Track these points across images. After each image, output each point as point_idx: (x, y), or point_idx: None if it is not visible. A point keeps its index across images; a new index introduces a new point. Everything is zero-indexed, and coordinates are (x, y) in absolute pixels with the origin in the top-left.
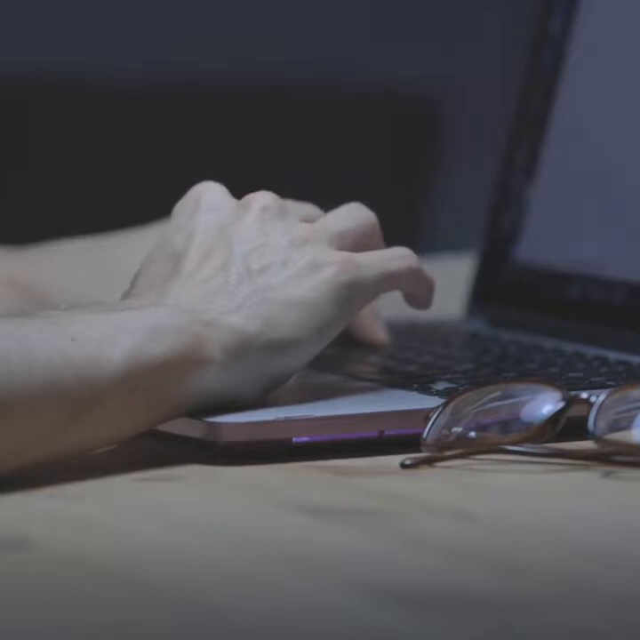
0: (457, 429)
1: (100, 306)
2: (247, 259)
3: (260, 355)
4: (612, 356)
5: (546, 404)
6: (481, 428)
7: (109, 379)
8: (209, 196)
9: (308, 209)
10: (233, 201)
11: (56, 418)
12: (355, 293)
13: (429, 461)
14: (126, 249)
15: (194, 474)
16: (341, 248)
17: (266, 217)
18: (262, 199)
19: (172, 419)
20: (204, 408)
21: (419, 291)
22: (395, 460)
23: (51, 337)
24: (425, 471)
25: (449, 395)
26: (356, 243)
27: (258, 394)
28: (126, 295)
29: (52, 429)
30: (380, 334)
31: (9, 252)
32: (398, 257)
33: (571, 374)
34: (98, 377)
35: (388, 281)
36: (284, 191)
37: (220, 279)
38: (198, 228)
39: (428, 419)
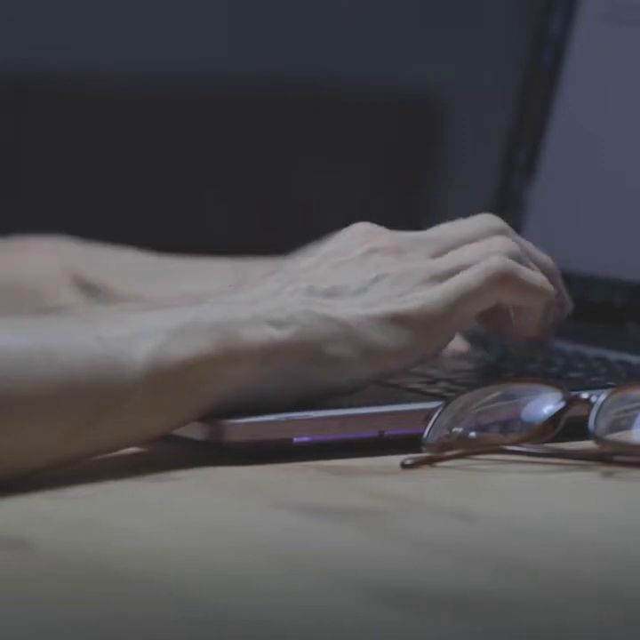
0: (457, 429)
1: (137, 304)
2: (318, 281)
3: (292, 361)
4: (612, 356)
5: (546, 404)
6: (481, 428)
7: (131, 379)
8: (347, 232)
9: (441, 242)
10: (360, 238)
11: (78, 418)
12: (423, 330)
13: (429, 461)
14: (190, 274)
15: (194, 474)
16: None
17: (372, 255)
18: (379, 239)
19: (198, 418)
20: (235, 408)
21: (524, 302)
22: (395, 459)
23: (76, 336)
24: (425, 471)
25: (449, 395)
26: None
27: (290, 400)
28: None
29: (74, 429)
30: (459, 345)
31: (81, 248)
32: (472, 276)
33: (571, 374)
34: (119, 378)
35: (464, 306)
36: (284, 192)
37: (275, 288)
38: (309, 254)
39: (428, 419)
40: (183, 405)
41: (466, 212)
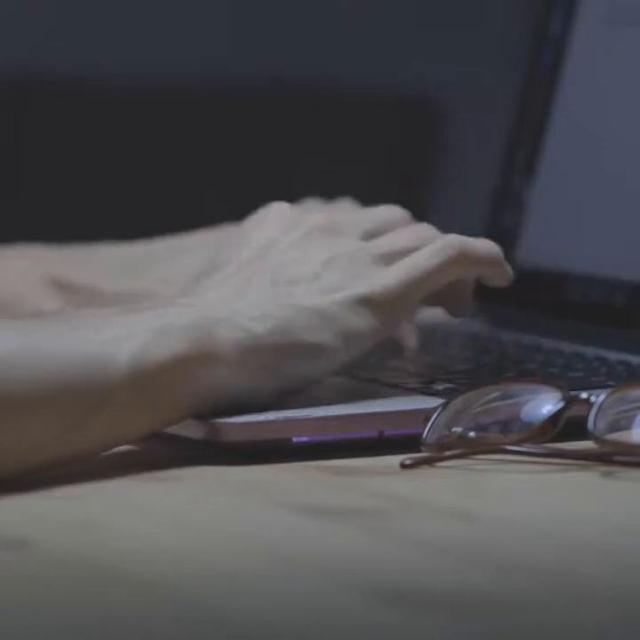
0: (457, 429)
1: (120, 307)
2: (277, 271)
3: (272, 355)
4: (612, 356)
5: (546, 404)
6: (481, 428)
7: (117, 380)
8: (273, 215)
9: (375, 220)
10: (293, 220)
11: (67, 418)
12: (386, 305)
13: (429, 461)
14: (169, 255)
15: (194, 474)
16: (386, 265)
17: (314, 235)
18: (316, 219)
19: (185, 417)
20: (219, 407)
21: (481, 272)
22: (395, 460)
23: (66, 339)
24: (425, 471)
25: (449, 395)
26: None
27: (273, 396)
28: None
29: (63, 430)
30: (408, 339)
31: (52, 252)
32: (433, 254)
33: (571, 374)
34: (105, 378)
35: (424, 282)
36: (283, 192)
37: (244, 285)
38: (246, 243)
39: (428, 419)
40: (165, 405)
41: (465, 213)
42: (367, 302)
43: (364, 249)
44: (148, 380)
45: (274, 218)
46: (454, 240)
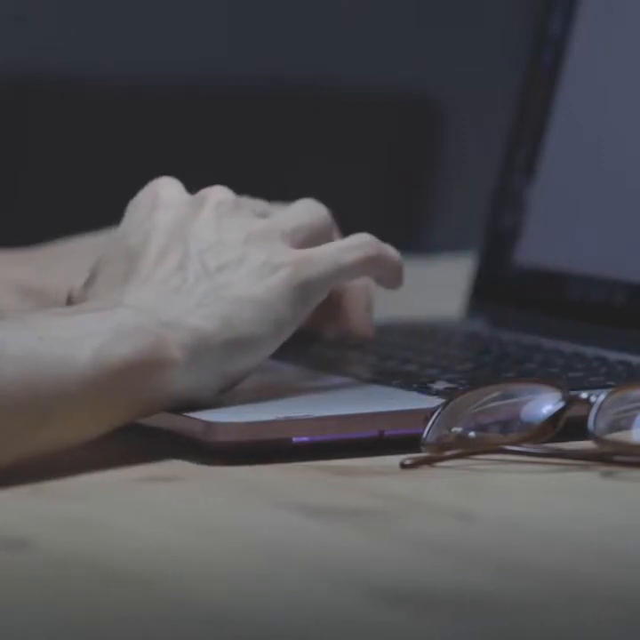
0: (457, 429)
1: (64, 308)
2: (203, 257)
3: (219, 353)
4: (612, 356)
5: (546, 404)
6: (481, 428)
7: (78, 378)
8: (166, 193)
9: (261, 204)
10: (189, 197)
11: (29, 416)
12: (310, 292)
13: (429, 461)
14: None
15: (194, 474)
16: (294, 244)
17: (221, 212)
18: (217, 194)
19: (137, 419)
20: (171, 408)
21: (383, 274)
22: (395, 460)
23: (19, 335)
24: (425, 471)
25: (449, 395)
26: (309, 238)
27: (215, 393)
28: (81, 294)
29: (25, 428)
30: (366, 328)
31: (18, 255)
32: (354, 248)
33: (571, 374)
34: (67, 376)
35: (343, 274)
36: (283, 192)
37: (178, 279)
38: (154, 226)
39: (427, 419)
40: (126, 405)
41: (465, 213)
42: (296, 289)
43: (272, 225)
44: (108, 382)
45: (169, 196)
46: (372, 239)
